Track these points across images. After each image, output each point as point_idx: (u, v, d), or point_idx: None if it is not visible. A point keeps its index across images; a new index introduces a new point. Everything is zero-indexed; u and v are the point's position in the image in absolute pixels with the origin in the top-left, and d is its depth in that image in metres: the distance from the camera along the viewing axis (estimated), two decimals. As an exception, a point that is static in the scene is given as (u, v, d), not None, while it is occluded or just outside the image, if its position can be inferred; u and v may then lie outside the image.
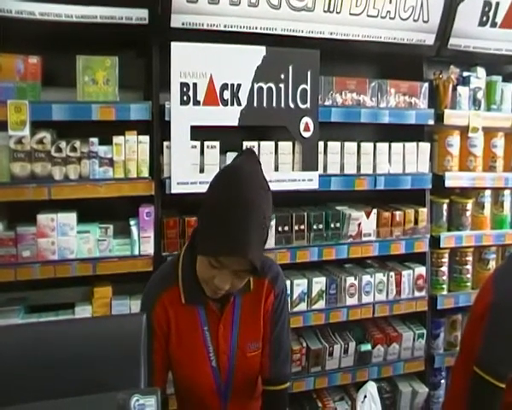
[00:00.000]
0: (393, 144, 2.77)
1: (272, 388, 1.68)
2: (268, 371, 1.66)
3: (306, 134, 2.56)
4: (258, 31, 2.43)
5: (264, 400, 1.70)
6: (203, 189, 2.34)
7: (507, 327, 1.78)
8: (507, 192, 3.07)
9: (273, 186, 2.40)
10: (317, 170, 2.59)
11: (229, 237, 1.35)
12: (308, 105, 2.55)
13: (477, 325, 1.88)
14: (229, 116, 2.41)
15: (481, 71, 3.00)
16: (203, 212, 1.46)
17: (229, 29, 2.38)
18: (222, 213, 1.37)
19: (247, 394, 1.71)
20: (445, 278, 2.95)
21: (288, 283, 2.55)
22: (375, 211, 2.74)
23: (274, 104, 2.48)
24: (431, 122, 2.84)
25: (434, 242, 2.88)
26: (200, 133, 2.38)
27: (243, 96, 2.42)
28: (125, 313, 2.26)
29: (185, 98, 2.33)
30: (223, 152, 2.43)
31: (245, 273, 1.46)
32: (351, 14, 2.54)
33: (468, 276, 2.98)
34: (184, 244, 2.33)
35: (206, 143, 2.40)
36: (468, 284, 2.96)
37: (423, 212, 2.85)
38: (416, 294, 2.85)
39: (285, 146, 2.54)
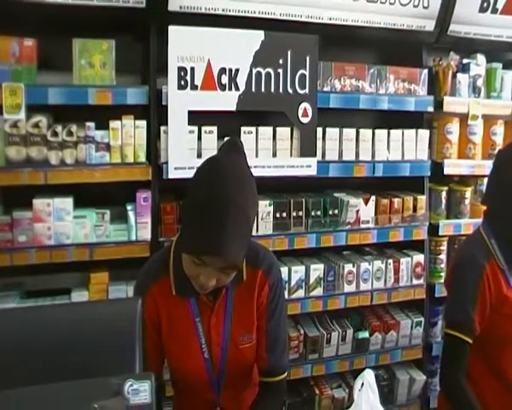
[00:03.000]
0: (392, 131, 2.75)
1: (270, 379, 1.67)
2: (265, 364, 1.65)
3: (305, 120, 2.54)
4: (257, 15, 2.41)
5: (261, 390, 1.69)
6: (200, 174, 2.34)
7: (461, 280, 1.86)
8: (506, 180, 3.05)
9: (271, 172, 2.45)
10: (315, 156, 2.57)
11: (207, 236, 1.32)
12: (307, 91, 2.53)
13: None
14: (226, 101, 2.39)
15: (481, 58, 2.98)
16: (183, 207, 1.45)
17: (228, 13, 2.36)
18: (200, 210, 1.35)
19: (240, 384, 1.71)
20: (443, 265, 2.93)
21: (285, 270, 2.55)
22: (373, 198, 2.73)
23: (272, 89, 2.47)
24: (430, 109, 2.82)
25: (433, 229, 2.87)
26: (197, 118, 2.37)
27: (241, 80, 2.41)
28: (119, 298, 2.25)
29: (183, 83, 2.32)
30: (220, 137, 2.41)
31: (230, 270, 1.44)
32: (350, -2, 2.52)
33: (467, 264, 2.97)
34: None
35: (203, 128, 2.39)
36: (467, 272, 2.95)
37: (422, 199, 2.83)
38: (415, 281, 2.85)
39: (283, 132, 2.52)
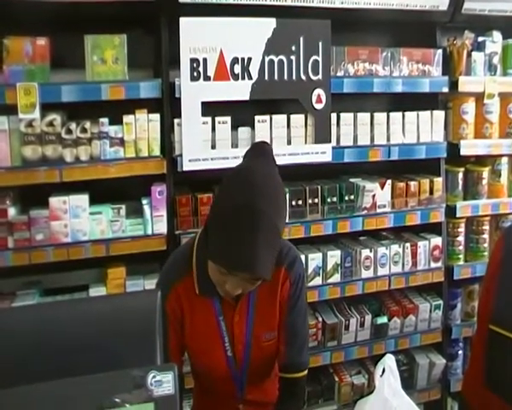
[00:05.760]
0: (407, 114, 2.73)
1: (288, 375, 1.67)
2: (284, 358, 1.65)
3: (319, 106, 2.52)
4: (268, 2, 2.39)
5: (280, 387, 1.69)
6: (215, 165, 2.36)
7: None
8: (524, 159, 3.00)
9: (286, 160, 2.45)
10: (330, 142, 2.56)
11: (237, 251, 1.30)
12: (320, 77, 2.51)
13: (490, 287, 1.86)
14: (240, 90, 2.39)
15: (497, 35, 2.92)
16: (211, 215, 1.43)
17: (239, 2, 2.34)
18: (230, 222, 1.32)
19: (263, 377, 1.72)
20: (461, 247, 2.91)
21: (302, 257, 2.53)
22: (389, 182, 2.71)
23: (285, 77, 2.45)
24: (445, 90, 2.78)
25: (450, 211, 2.85)
26: (210, 109, 2.36)
27: (254, 69, 2.39)
28: (138, 290, 2.26)
29: (195, 74, 2.31)
30: (234, 127, 2.42)
31: (256, 280, 1.42)
32: (362, -19, 2.49)
33: (485, 245, 2.93)
34: (197, 222, 2.37)
35: (217, 119, 2.38)
36: (485, 253, 2.92)
37: (438, 181, 2.81)
38: (432, 265, 2.83)
39: (297, 119, 2.51)
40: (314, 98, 2.51)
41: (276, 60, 2.43)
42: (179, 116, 2.32)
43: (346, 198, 2.64)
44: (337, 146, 2.59)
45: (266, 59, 2.41)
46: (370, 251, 2.70)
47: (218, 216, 1.37)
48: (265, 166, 1.43)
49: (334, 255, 2.65)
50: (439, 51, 2.78)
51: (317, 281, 2.61)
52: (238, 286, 1.41)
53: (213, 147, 2.38)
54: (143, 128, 2.29)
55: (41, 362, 1.05)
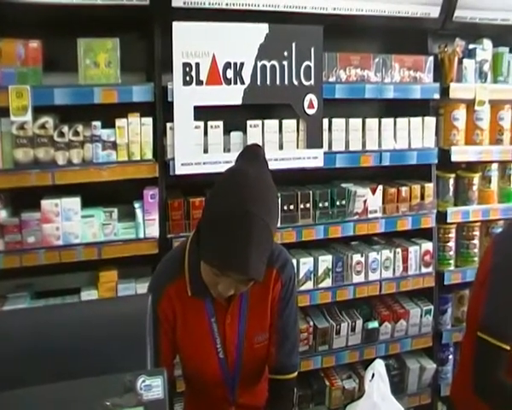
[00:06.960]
0: (398, 120, 2.74)
1: (278, 377, 1.68)
2: (274, 360, 1.66)
3: (311, 111, 2.54)
4: (261, 8, 2.40)
5: (269, 389, 1.70)
6: (207, 169, 2.37)
7: (508, 287, 1.76)
8: (514, 165, 3.03)
9: (278, 165, 2.46)
10: (321, 147, 2.57)
11: (228, 253, 1.32)
12: (312, 82, 2.52)
13: (479, 293, 1.86)
14: (232, 95, 2.39)
15: (488, 43, 2.95)
16: (205, 217, 1.43)
17: (232, 7, 2.35)
18: (221, 225, 1.33)
19: (254, 379, 1.72)
20: (452, 253, 2.93)
21: (294, 262, 2.54)
22: (380, 187, 2.72)
23: (277, 82, 2.46)
24: (436, 96, 2.80)
25: (441, 217, 2.86)
26: (203, 113, 2.37)
27: (246, 74, 2.40)
28: (129, 295, 2.26)
29: (188, 78, 2.32)
30: (226, 132, 2.42)
31: (248, 281, 1.43)
32: (354, -12, 2.50)
33: (476, 251, 2.95)
34: (189, 226, 2.37)
35: (209, 123, 2.39)
36: (476, 258, 2.93)
37: (429, 187, 2.83)
38: (423, 270, 2.85)
39: (289, 124, 2.52)
40: (306, 103, 2.52)
41: (268, 65, 2.44)
42: (172, 120, 2.32)
43: (338, 203, 2.65)
44: (329, 151, 2.60)
45: (259, 64, 2.42)
46: (361, 256, 2.71)
47: (211, 218, 1.38)
48: (257, 169, 1.44)
49: (326, 260, 2.65)
50: (431, 58, 2.80)
51: (309, 285, 2.62)
52: (230, 287, 1.42)
53: (205, 151, 2.38)
54: (136, 132, 2.29)
55: (31, 366, 1.05)
